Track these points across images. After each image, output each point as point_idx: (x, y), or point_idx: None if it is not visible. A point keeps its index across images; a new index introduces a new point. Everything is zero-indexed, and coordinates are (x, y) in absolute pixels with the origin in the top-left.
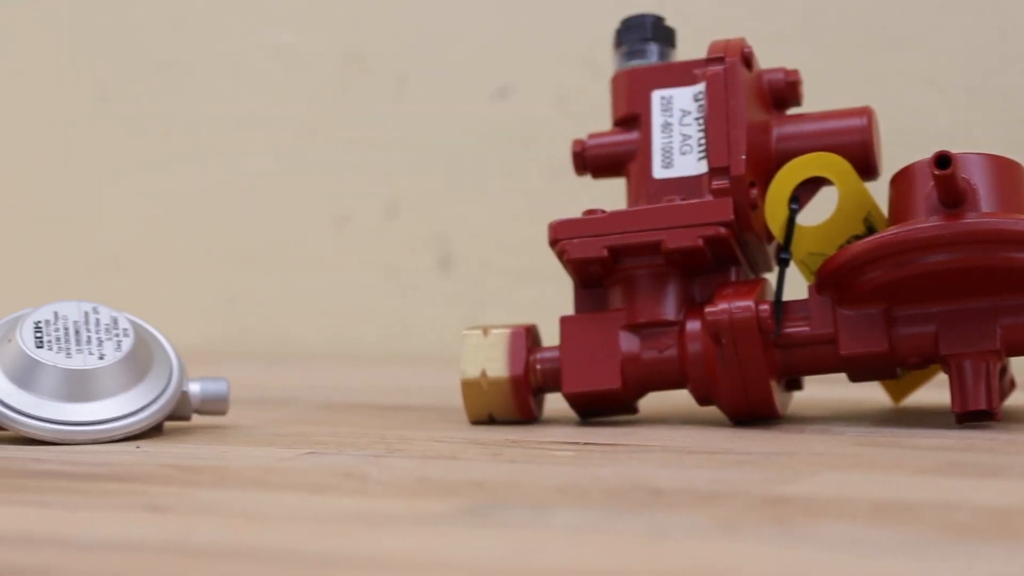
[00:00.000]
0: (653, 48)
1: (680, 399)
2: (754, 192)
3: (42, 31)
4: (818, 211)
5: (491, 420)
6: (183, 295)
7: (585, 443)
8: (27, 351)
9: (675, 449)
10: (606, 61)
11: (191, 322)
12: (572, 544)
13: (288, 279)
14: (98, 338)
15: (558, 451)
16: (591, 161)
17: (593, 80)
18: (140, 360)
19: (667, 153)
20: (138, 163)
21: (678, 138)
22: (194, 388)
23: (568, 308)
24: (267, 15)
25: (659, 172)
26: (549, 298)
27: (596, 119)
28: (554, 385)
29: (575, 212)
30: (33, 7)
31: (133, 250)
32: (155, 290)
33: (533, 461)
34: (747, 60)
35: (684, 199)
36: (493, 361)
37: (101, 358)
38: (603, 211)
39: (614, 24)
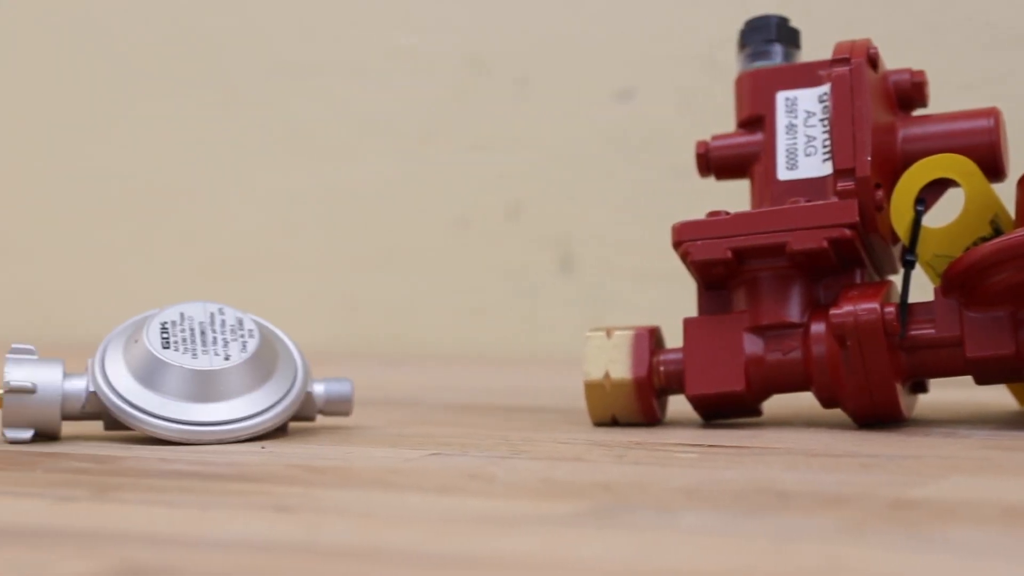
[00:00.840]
0: (777, 49)
1: (804, 401)
2: (879, 194)
3: (170, 34)
4: (944, 213)
5: (614, 422)
6: (306, 297)
7: (709, 445)
8: (154, 352)
9: (800, 452)
10: (728, 62)
11: (313, 323)
12: (698, 546)
13: (410, 281)
14: (223, 339)
15: (682, 453)
16: (715, 162)
17: (715, 81)
18: (265, 361)
19: (791, 155)
20: (263, 165)
21: (802, 139)
22: (318, 389)
23: (690, 310)
24: (390, 18)
25: (783, 174)
26: (671, 300)
27: (718, 120)
28: (677, 387)
29: (697, 214)
30: (162, 10)
31: (257, 252)
32: (278, 292)
33: (657, 463)
34: (873, 61)
35: (809, 201)
36: (616, 363)
37: (227, 359)
38: (727, 213)
39: (736, 24)
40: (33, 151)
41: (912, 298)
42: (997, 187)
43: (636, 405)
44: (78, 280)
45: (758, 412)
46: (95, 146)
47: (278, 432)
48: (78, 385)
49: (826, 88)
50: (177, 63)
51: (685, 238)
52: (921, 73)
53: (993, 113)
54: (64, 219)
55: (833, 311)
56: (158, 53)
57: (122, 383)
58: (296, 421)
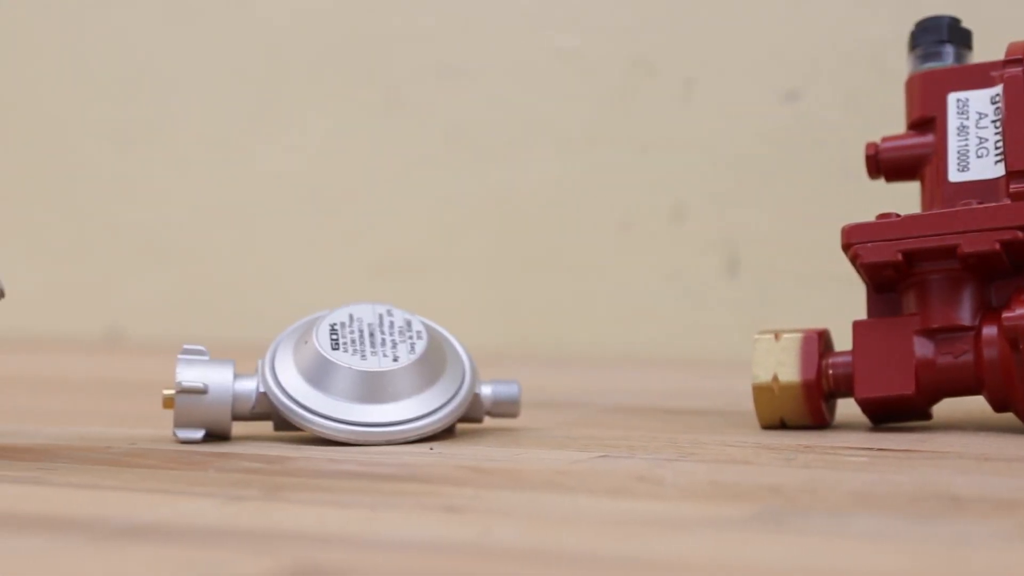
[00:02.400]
0: (949, 50)
1: (974, 405)
2: None
3: (336, 36)
4: None
5: (782, 425)
6: (469, 298)
7: (879, 449)
8: (323, 353)
9: (972, 456)
10: (896, 62)
11: (477, 325)
12: (872, 551)
13: (573, 283)
14: (392, 340)
15: (852, 457)
16: (885, 164)
17: (883, 82)
18: (433, 362)
19: (963, 156)
20: (425, 167)
21: (974, 141)
22: (486, 391)
23: (857, 312)
24: (554, 19)
25: (954, 175)
26: (839, 303)
27: (885, 122)
28: (846, 390)
29: (864, 216)
30: (327, 12)
31: (421, 253)
32: (442, 293)
33: (827, 467)
34: None
35: (980, 203)
36: (785, 366)
37: (395, 360)
38: (897, 215)
39: (906, 25)
40: (202, 152)
41: None
42: None
43: (805, 408)
44: (246, 281)
45: (928, 415)
46: (262, 147)
47: (446, 433)
48: (248, 386)
49: (998, 89)
50: (342, 65)
51: (855, 240)
52: None
53: None
54: (233, 220)
55: (1005, 314)
56: (323, 55)
57: (292, 384)
58: (464, 422)
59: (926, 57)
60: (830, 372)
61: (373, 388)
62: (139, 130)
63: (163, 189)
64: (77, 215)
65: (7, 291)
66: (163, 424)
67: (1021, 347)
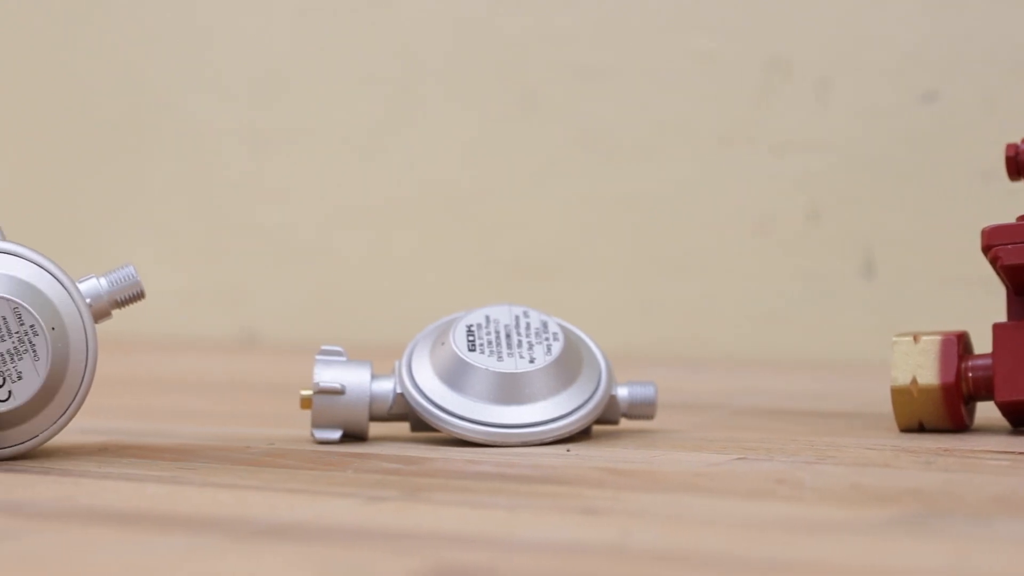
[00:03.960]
0: None
1: None
2: None
3: (470, 36)
4: None
5: (921, 428)
6: (603, 299)
7: (1020, 452)
8: (460, 354)
9: None
10: None
11: (611, 326)
12: (1015, 555)
13: (708, 284)
14: (528, 342)
15: (993, 460)
16: None
17: (1022, 83)
18: (570, 364)
19: None
20: (561, 169)
21: None
22: (622, 392)
23: (995, 316)
24: (690, 21)
25: None
26: (976, 306)
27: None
28: (986, 393)
29: (1003, 218)
30: (462, 13)
31: (555, 254)
32: (576, 294)
33: (968, 470)
34: None
35: None
36: (924, 368)
37: (532, 362)
38: None
39: None
40: (338, 154)
41: None
42: None
43: (944, 411)
44: (381, 283)
45: None
46: (397, 149)
47: (582, 435)
48: (385, 387)
49: None
50: (478, 67)
51: (995, 242)
52: None
53: None
54: (369, 222)
55: None
56: (459, 57)
57: (428, 385)
58: (600, 424)
59: None
60: (969, 375)
61: (509, 389)
62: (276, 132)
63: (299, 191)
64: (214, 217)
65: (147, 293)
66: (301, 424)
67: None
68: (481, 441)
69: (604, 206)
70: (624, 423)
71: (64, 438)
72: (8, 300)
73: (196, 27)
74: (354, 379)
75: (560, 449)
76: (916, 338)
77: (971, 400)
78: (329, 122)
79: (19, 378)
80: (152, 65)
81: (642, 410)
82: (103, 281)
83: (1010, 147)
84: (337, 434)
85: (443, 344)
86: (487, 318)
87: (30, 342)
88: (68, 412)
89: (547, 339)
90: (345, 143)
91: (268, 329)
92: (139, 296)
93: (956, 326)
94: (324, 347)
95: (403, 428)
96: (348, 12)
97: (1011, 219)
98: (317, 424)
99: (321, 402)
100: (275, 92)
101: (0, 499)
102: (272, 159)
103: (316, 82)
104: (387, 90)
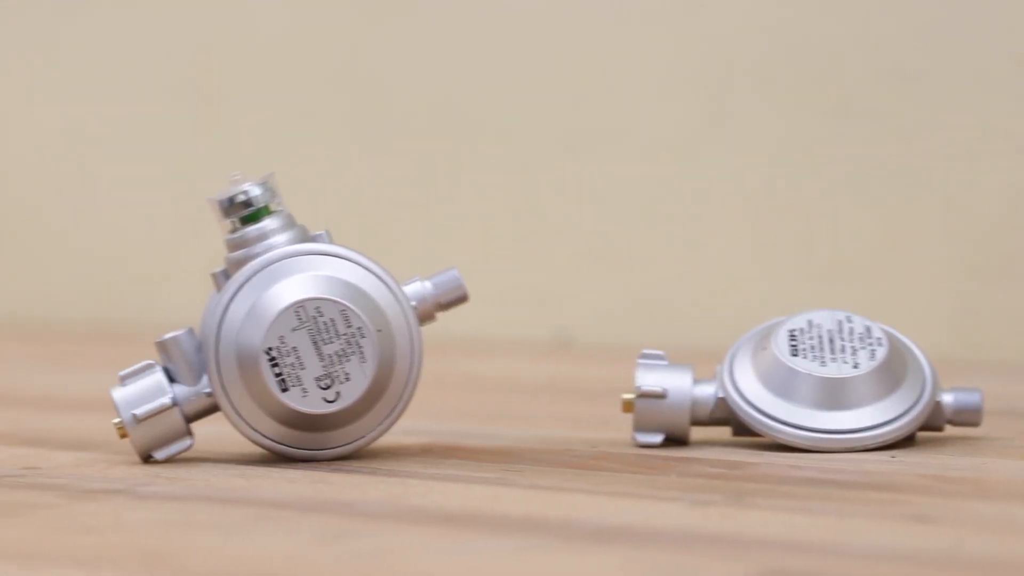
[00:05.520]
0: None
1: None
2: None
3: (785, 40)
4: None
5: None
6: (920, 304)
7: None
8: (782, 359)
9: None
10: None
11: (928, 331)
12: None
13: None
14: (852, 347)
15: None
16: None
17: None
18: (894, 369)
19: None
20: (876, 172)
21: None
22: (947, 398)
23: None
24: (1010, 25)
25: None
26: None
27: None
28: None
29: None
30: (776, 18)
31: (870, 258)
32: (891, 299)
33: None
34: None
35: None
36: None
37: (855, 367)
38: None
39: None
40: (652, 157)
41: None
42: None
43: None
44: (696, 286)
45: None
46: (711, 153)
47: (906, 441)
48: (707, 391)
49: None
50: (793, 71)
51: None
52: None
53: None
54: (683, 225)
55: None
56: (774, 60)
57: (751, 389)
58: (924, 430)
59: None
60: None
61: (833, 395)
62: (591, 135)
63: (614, 194)
64: (529, 220)
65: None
66: (621, 428)
67: None
68: (804, 446)
69: (920, 210)
70: (948, 429)
71: (388, 439)
72: (336, 303)
73: (511, 33)
74: (676, 383)
75: (884, 455)
76: None
77: None
78: (644, 125)
79: (347, 379)
80: (470, 69)
81: (968, 417)
82: (428, 284)
83: None
84: (659, 438)
85: (765, 349)
86: (809, 323)
87: (357, 344)
88: (394, 414)
89: (871, 344)
90: (659, 146)
91: (583, 332)
92: (463, 299)
93: None
94: (645, 351)
95: (724, 432)
96: (662, 17)
97: None
98: (639, 428)
99: (643, 406)
100: (591, 95)
101: (331, 499)
102: (589, 161)
103: (631, 85)
104: (701, 94)
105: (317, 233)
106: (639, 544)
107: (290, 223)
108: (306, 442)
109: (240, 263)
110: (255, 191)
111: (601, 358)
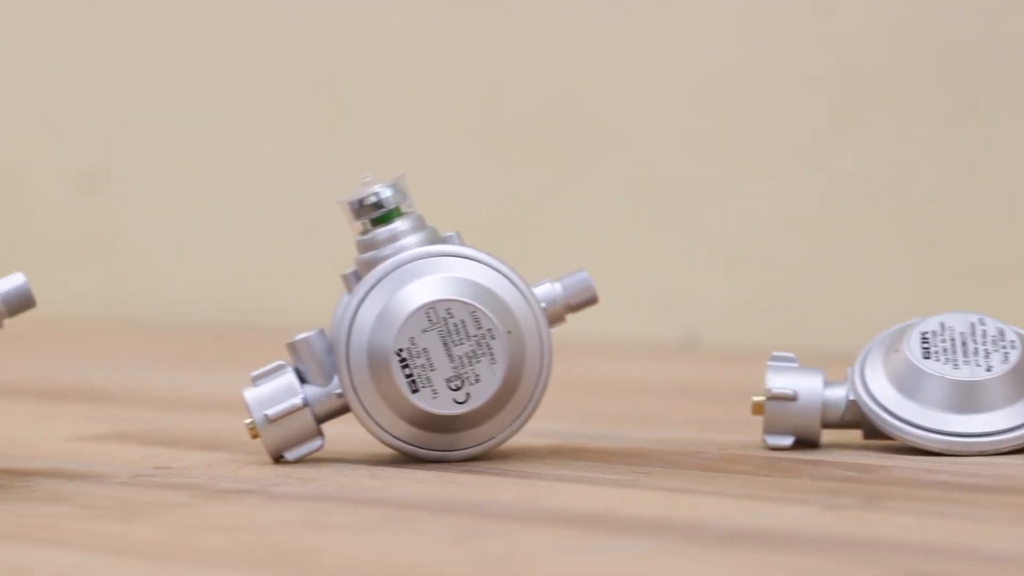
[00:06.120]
0: None
1: None
2: None
3: (912, 41)
4: None
5: None
6: None
7: None
8: (914, 361)
9: None
10: None
11: None
12: None
13: None
14: (985, 349)
15: None
16: None
17: None
18: None
19: None
20: (1007, 172)
21: None
22: None
23: None
24: None
25: None
26: None
27: None
28: None
29: None
30: (902, 18)
31: (1004, 260)
32: None
33: None
34: None
35: None
36: None
37: (988, 370)
38: None
39: None
40: (778, 159)
41: None
42: None
43: None
44: (824, 288)
45: None
46: (838, 152)
47: None
48: (838, 393)
49: None
50: (920, 71)
51: None
52: None
53: None
54: (810, 227)
55: None
56: (901, 61)
57: (882, 392)
58: None
59: None
60: None
61: (965, 398)
62: (717, 136)
63: (740, 195)
64: (657, 222)
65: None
66: (750, 430)
67: None
68: (937, 450)
69: None
70: None
71: (518, 440)
72: (466, 304)
73: (637, 36)
74: (806, 385)
75: (1019, 459)
76: None
77: None
78: (771, 126)
79: (476, 381)
80: (597, 72)
81: None
82: (558, 286)
83: None
84: (789, 440)
85: (897, 351)
86: (942, 325)
87: (487, 345)
88: (523, 415)
89: (1004, 347)
90: (786, 147)
91: (710, 333)
92: (592, 301)
93: None
94: (776, 353)
95: (854, 435)
96: (789, 18)
97: None
98: (769, 430)
99: (774, 408)
100: (719, 96)
101: (462, 500)
102: (715, 163)
103: (758, 87)
104: (828, 94)
105: (447, 235)
106: (771, 547)
107: (420, 225)
108: (436, 443)
109: (370, 265)
110: (386, 193)
111: (728, 360)
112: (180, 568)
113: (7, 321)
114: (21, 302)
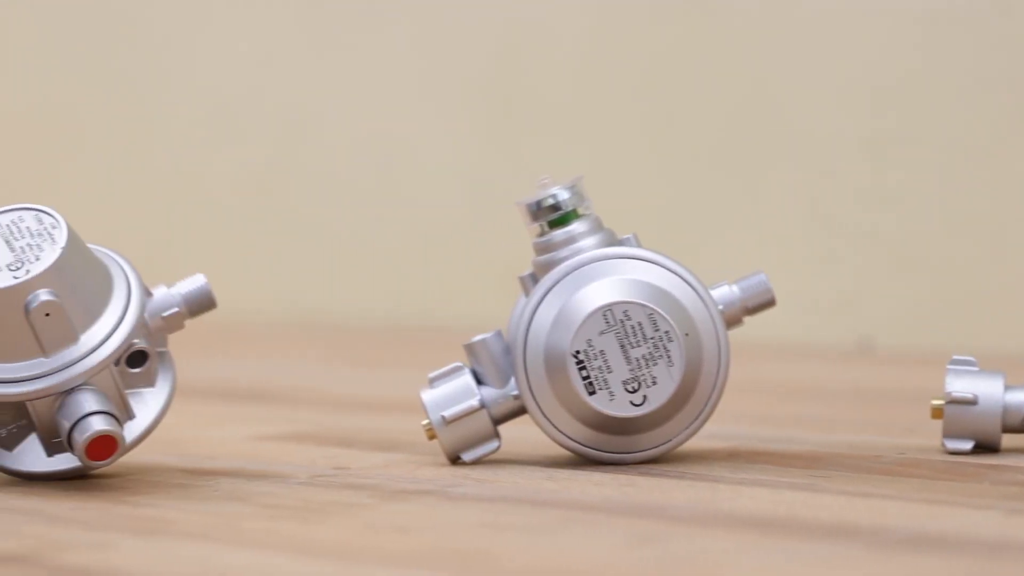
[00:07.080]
0: None
1: None
2: None
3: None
4: None
5: None
6: None
7: None
8: None
9: None
10: None
11: None
12: None
13: None
14: None
15: None
16: None
17: None
18: None
19: None
20: None
21: None
22: None
23: None
24: None
25: None
26: None
27: None
28: None
29: None
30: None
31: None
32: None
33: None
34: None
35: None
36: None
37: None
38: None
39: None
40: (948, 161)
41: None
42: None
43: None
44: (1001, 290)
45: None
46: (1009, 154)
47: None
48: (1019, 397)
49: None
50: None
51: None
52: None
53: None
54: (983, 228)
55: None
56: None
57: None
58: None
59: None
60: None
61: None
62: (891, 138)
63: (915, 197)
64: (830, 224)
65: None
66: (929, 434)
67: None
68: None
69: None
70: None
71: (694, 443)
72: (644, 306)
73: (811, 37)
74: (987, 389)
75: None
76: None
77: None
78: (944, 127)
79: (654, 383)
80: (770, 74)
81: None
82: (735, 288)
83: None
84: (969, 444)
85: None
86: None
87: (664, 347)
88: (701, 417)
89: None
90: (960, 148)
91: (886, 337)
92: (770, 303)
93: None
94: (955, 356)
95: None
96: (964, 18)
97: None
98: (948, 434)
99: (953, 412)
100: (891, 98)
101: (639, 502)
102: (888, 165)
103: (931, 87)
104: (1001, 95)
105: (624, 237)
106: (954, 553)
107: (598, 227)
108: (613, 445)
109: (547, 267)
110: (563, 195)
111: (904, 363)
112: (362, 568)
113: (188, 322)
114: (202, 303)
